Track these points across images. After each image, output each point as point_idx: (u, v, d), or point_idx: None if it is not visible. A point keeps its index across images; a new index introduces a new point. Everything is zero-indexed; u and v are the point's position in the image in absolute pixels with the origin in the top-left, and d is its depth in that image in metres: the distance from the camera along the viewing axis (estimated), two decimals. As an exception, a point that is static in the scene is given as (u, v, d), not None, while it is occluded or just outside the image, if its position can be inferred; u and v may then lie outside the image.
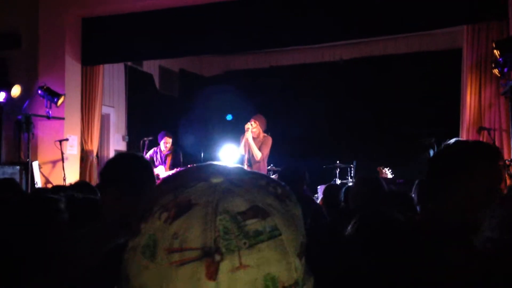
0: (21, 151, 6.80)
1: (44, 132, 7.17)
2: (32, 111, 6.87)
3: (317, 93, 9.36)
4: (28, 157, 6.51)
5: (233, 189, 0.55)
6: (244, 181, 0.57)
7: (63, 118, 7.12)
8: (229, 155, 6.71)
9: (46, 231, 1.79)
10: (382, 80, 8.96)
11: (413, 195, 3.43)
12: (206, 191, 0.54)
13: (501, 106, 5.74)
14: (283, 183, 0.61)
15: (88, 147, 7.57)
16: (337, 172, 7.86)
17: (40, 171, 6.98)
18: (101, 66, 7.76)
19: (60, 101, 6.84)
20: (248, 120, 6.45)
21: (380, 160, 7.47)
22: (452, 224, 1.43)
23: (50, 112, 6.75)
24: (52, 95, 6.77)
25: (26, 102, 6.80)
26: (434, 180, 1.59)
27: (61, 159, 6.88)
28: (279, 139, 7.03)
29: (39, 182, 6.79)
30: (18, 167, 6.52)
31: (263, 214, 0.53)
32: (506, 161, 5.17)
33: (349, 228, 1.55)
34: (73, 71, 7.44)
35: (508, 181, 4.97)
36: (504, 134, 5.69)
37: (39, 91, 6.77)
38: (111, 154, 8.64)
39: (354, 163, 7.80)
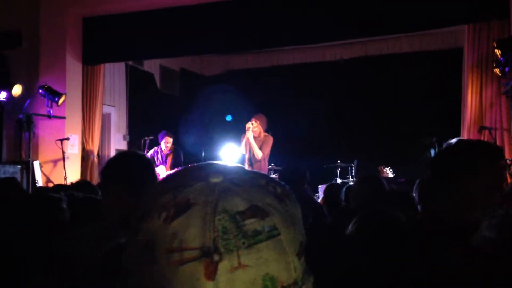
0: (22, 150, 6.80)
1: (45, 131, 7.18)
2: (33, 110, 6.88)
3: (318, 92, 9.36)
4: (29, 156, 6.52)
5: (232, 188, 0.55)
6: (244, 180, 0.57)
7: (64, 117, 7.13)
8: (230, 154, 6.71)
9: (48, 230, 1.79)
10: (383, 80, 8.95)
11: (414, 195, 3.43)
12: (205, 190, 0.54)
13: (502, 105, 5.73)
14: (282, 183, 0.61)
15: (89, 146, 7.58)
16: (338, 171, 7.85)
17: (41, 170, 6.99)
18: (102, 65, 7.76)
19: (61, 100, 6.84)
20: (249, 120, 6.45)
21: (381, 160, 7.46)
22: (453, 224, 1.42)
23: (51, 111, 6.75)
24: (53, 94, 6.77)
25: (27, 101, 6.81)
26: (435, 180, 1.59)
27: (62, 158, 6.88)
28: (280, 138, 7.03)
29: (40, 181, 6.79)
30: (19, 166, 6.53)
31: (262, 213, 0.53)
32: (507, 161, 5.17)
33: (349, 227, 1.55)
34: (74, 70, 7.45)
35: (510, 180, 4.97)
36: (505, 134, 5.69)
37: (40, 90, 6.78)
38: (112, 153, 8.65)
39: (355, 163, 7.80)
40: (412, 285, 1.30)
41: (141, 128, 8.87)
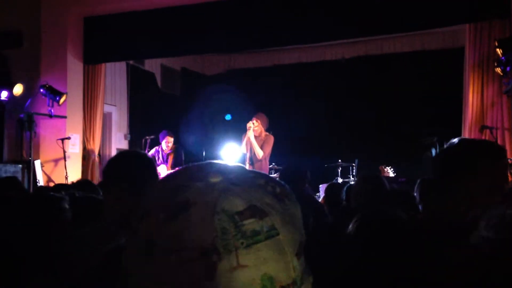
0: (23, 150, 6.80)
1: (46, 130, 7.18)
2: (34, 109, 6.88)
3: (319, 91, 9.35)
4: (30, 156, 6.52)
5: (231, 188, 0.55)
6: (243, 180, 0.57)
7: (65, 117, 7.13)
8: (231, 154, 6.71)
9: (49, 230, 1.79)
10: (384, 79, 8.94)
11: (415, 194, 3.42)
12: (204, 190, 0.54)
13: (503, 104, 5.72)
14: (282, 183, 0.61)
15: (90, 145, 7.58)
16: (339, 171, 7.85)
17: (42, 170, 7.00)
18: (103, 64, 7.77)
19: (62, 100, 6.85)
20: (249, 119, 6.44)
21: (382, 159, 7.46)
22: (453, 224, 1.42)
23: (52, 110, 6.76)
24: (54, 94, 6.78)
25: (28, 101, 6.81)
26: (437, 179, 1.58)
27: (63, 157, 6.89)
28: (281, 137, 7.02)
29: (41, 181, 6.80)
30: (20, 166, 6.53)
31: (261, 213, 0.53)
32: (509, 160, 5.16)
33: (350, 226, 1.55)
34: (75, 69, 7.45)
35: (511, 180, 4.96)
36: (506, 133, 5.68)
37: (41, 90, 6.78)
38: (113, 152, 8.65)
39: (356, 162, 7.80)
40: (413, 284, 1.30)
41: (142, 128, 8.87)
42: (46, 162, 7.17)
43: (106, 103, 8.15)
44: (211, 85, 10.11)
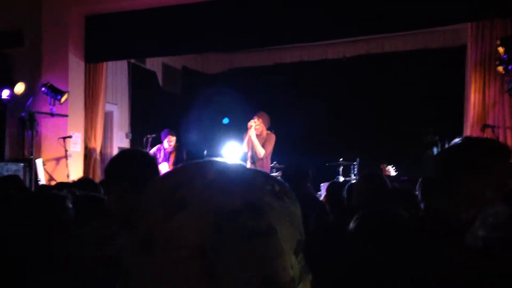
0: (25, 148, 6.81)
1: (48, 129, 7.19)
2: (36, 108, 6.89)
3: (321, 90, 9.34)
4: (31, 154, 6.53)
5: (229, 186, 0.55)
6: (241, 178, 0.57)
7: (66, 116, 7.14)
8: (232, 152, 6.71)
9: (52, 229, 1.79)
10: (385, 78, 8.93)
11: (417, 193, 3.42)
12: (202, 188, 0.54)
13: (505, 103, 5.72)
14: (282, 181, 0.61)
15: (92, 144, 7.59)
16: (340, 169, 7.84)
17: (44, 168, 7.00)
18: (104, 63, 7.77)
19: (63, 99, 6.85)
20: (251, 118, 6.44)
21: (383, 158, 7.45)
22: (454, 222, 1.42)
23: (54, 109, 6.77)
24: (56, 93, 6.78)
25: (30, 100, 6.82)
26: (438, 178, 1.58)
27: (64, 156, 6.90)
28: (283, 136, 7.01)
29: (42, 179, 6.81)
30: (22, 164, 6.54)
31: (259, 211, 0.53)
32: None
33: (350, 225, 1.55)
34: (76, 68, 7.45)
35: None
36: (508, 132, 5.68)
37: (43, 89, 6.79)
38: (115, 151, 8.65)
39: (357, 161, 7.78)
40: (413, 283, 1.30)
41: (143, 126, 8.88)
42: (48, 160, 7.18)
43: (107, 102, 8.16)
44: (212, 84, 10.11)
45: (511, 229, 0.88)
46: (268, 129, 6.49)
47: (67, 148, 6.95)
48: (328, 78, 9.33)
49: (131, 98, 9.19)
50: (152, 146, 7.73)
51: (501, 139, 5.56)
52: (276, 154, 6.85)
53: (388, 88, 8.86)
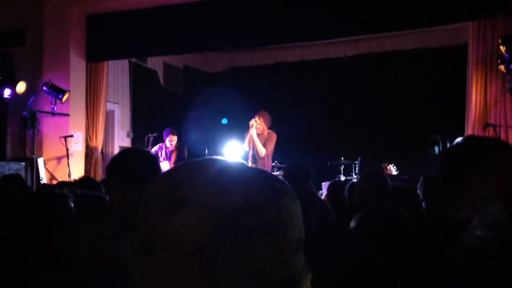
0: (26, 147, 6.82)
1: (49, 128, 7.20)
2: (37, 107, 6.90)
3: (322, 89, 9.33)
4: (33, 153, 6.54)
5: (229, 185, 0.55)
6: (242, 177, 0.57)
7: (68, 115, 7.14)
8: (234, 151, 6.72)
9: (55, 228, 1.79)
10: (387, 77, 8.92)
11: (418, 192, 3.42)
12: (202, 187, 0.54)
13: (507, 102, 5.70)
14: (282, 179, 0.61)
15: (93, 143, 7.60)
16: (342, 168, 7.84)
17: (45, 167, 7.01)
18: (106, 62, 7.77)
19: (65, 98, 6.86)
20: (252, 117, 6.44)
21: (385, 157, 7.45)
22: (454, 222, 1.42)
23: (55, 108, 6.77)
24: (57, 92, 6.79)
25: (31, 99, 6.83)
26: (440, 177, 1.57)
27: (66, 155, 6.90)
28: (284, 135, 7.02)
29: (44, 178, 6.82)
30: (23, 163, 6.55)
31: (258, 210, 0.53)
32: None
33: (351, 223, 1.55)
34: (77, 67, 7.46)
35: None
36: (510, 130, 5.67)
37: (44, 88, 6.79)
38: (116, 150, 8.66)
39: (359, 160, 7.78)
40: (413, 282, 1.30)
41: (145, 125, 8.88)
42: (49, 159, 7.19)
43: (108, 101, 8.16)
44: (213, 83, 10.11)
45: (508, 229, 0.87)
46: (269, 128, 6.50)
47: (69, 147, 6.95)
48: (330, 77, 9.32)
49: (133, 97, 9.20)
50: (153, 145, 7.74)
51: (502, 137, 5.54)
52: (277, 153, 6.85)
53: (390, 87, 8.84)
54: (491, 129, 5.64)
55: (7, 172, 5.98)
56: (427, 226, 1.59)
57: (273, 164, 7.25)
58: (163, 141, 7.59)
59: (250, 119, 6.43)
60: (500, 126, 5.66)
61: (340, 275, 1.46)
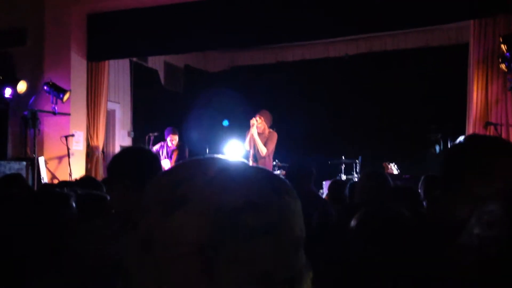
0: (27, 147, 6.83)
1: (50, 127, 7.20)
2: (38, 107, 6.90)
3: (323, 88, 9.33)
4: (34, 153, 6.54)
5: (230, 184, 0.55)
6: (242, 176, 0.57)
7: (69, 114, 7.15)
8: (235, 150, 6.72)
9: (56, 228, 1.79)
10: (387, 76, 8.91)
11: (419, 191, 3.42)
12: (203, 185, 0.54)
13: (508, 101, 5.70)
14: (283, 178, 0.60)
15: (94, 143, 7.60)
16: (343, 167, 7.83)
17: (46, 167, 7.02)
18: (107, 62, 7.77)
19: (66, 97, 6.86)
20: (253, 116, 6.44)
21: (385, 156, 7.44)
22: (455, 222, 1.42)
23: (56, 108, 6.78)
24: (58, 91, 6.79)
25: (32, 98, 6.83)
26: (441, 176, 1.57)
27: (67, 154, 6.90)
28: (285, 134, 7.02)
29: (45, 178, 6.82)
30: (24, 163, 6.55)
31: (259, 209, 0.53)
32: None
33: (352, 222, 1.55)
34: (78, 67, 7.46)
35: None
36: (511, 129, 5.66)
37: (45, 87, 6.80)
38: (117, 150, 8.66)
39: (360, 159, 7.78)
40: (414, 281, 1.30)
41: (146, 125, 8.88)
42: (50, 159, 7.19)
43: (109, 100, 8.16)
44: (214, 82, 10.11)
45: (506, 227, 0.87)
46: (270, 127, 6.50)
47: (70, 147, 6.95)
48: (330, 76, 9.32)
49: (133, 97, 9.20)
50: (154, 145, 7.74)
51: (503, 136, 5.54)
52: (278, 153, 6.85)
53: (391, 86, 8.83)
54: (492, 128, 5.63)
55: (8, 172, 5.98)
56: (427, 226, 1.59)
57: (274, 163, 7.25)
58: (164, 140, 7.60)
59: (251, 118, 6.43)
60: (501, 125, 5.65)
61: (340, 274, 1.46)
